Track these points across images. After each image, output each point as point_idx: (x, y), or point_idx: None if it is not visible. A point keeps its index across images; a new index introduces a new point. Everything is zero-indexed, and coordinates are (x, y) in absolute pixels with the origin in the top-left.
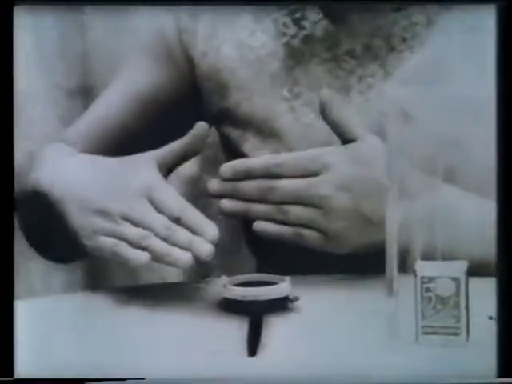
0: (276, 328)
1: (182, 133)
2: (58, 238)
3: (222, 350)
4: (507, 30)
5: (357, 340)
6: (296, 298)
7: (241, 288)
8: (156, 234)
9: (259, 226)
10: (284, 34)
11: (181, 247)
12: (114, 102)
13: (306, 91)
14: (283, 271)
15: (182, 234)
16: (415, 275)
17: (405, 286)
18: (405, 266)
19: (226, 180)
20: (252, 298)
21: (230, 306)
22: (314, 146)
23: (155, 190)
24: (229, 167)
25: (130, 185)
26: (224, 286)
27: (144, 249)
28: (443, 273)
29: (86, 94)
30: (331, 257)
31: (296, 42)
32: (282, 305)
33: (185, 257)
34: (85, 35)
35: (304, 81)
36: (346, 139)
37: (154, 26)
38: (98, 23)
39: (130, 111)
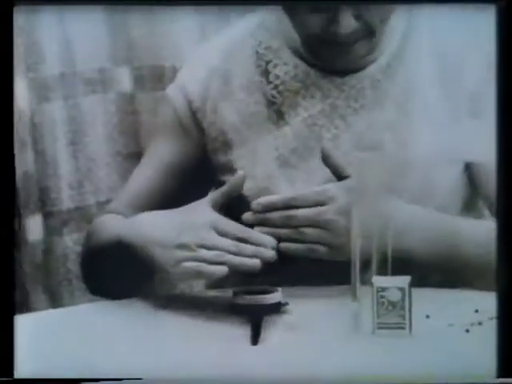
0: (273, 325)
1: (200, 184)
2: (124, 279)
3: (233, 339)
4: (507, 30)
5: (329, 332)
6: (286, 303)
7: (248, 296)
8: (228, 252)
9: (284, 246)
10: (273, 103)
11: (249, 257)
12: (146, 174)
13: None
14: (275, 283)
15: (248, 248)
16: (372, 286)
17: (365, 293)
18: (365, 279)
19: (256, 212)
20: (256, 303)
21: (239, 309)
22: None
23: (217, 222)
24: (257, 203)
25: (197, 223)
26: (235, 294)
27: (221, 264)
28: (392, 284)
29: (138, 157)
30: (312, 271)
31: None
32: (276, 308)
33: (255, 262)
34: (136, 115)
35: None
36: (341, 177)
37: (170, 109)
38: (146, 105)
39: (160, 179)
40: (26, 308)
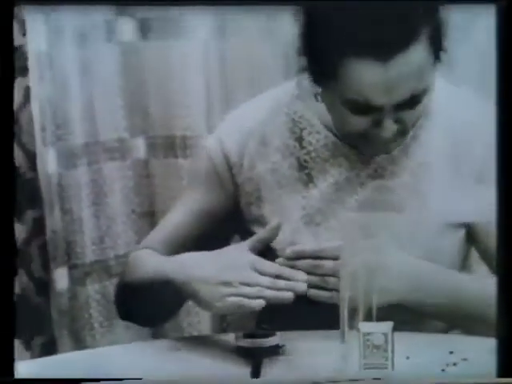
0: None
1: (228, 233)
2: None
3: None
4: (507, 30)
5: (322, 371)
6: (283, 345)
7: (249, 339)
8: (266, 287)
9: (312, 293)
10: (304, 168)
11: (283, 290)
12: (179, 218)
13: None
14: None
15: (282, 283)
16: (358, 331)
17: (352, 337)
18: (352, 325)
19: (288, 259)
20: (257, 346)
21: (242, 351)
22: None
23: (256, 263)
24: (291, 250)
25: (238, 263)
26: (238, 338)
27: (259, 298)
28: (377, 330)
29: (151, 216)
30: (308, 316)
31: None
32: (274, 350)
33: (288, 295)
34: (150, 178)
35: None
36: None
37: (207, 160)
38: (159, 170)
39: (192, 222)
40: (53, 351)
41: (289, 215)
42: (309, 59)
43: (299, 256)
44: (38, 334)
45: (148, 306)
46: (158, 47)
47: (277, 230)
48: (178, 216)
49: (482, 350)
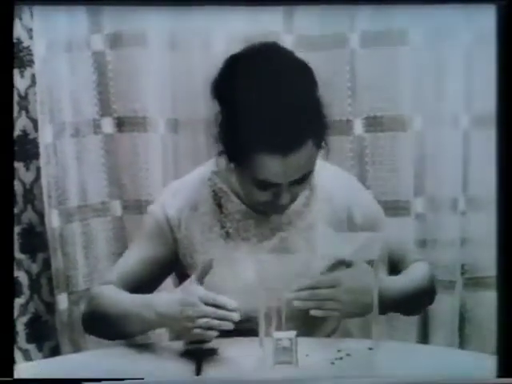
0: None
1: (167, 275)
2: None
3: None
4: (507, 30)
5: (245, 366)
6: (218, 348)
7: (193, 345)
8: (211, 318)
9: (314, 312)
10: (223, 227)
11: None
12: (132, 260)
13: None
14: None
15: (222, 313)
16: (273, 337)
17: (268, 342)
18: (268, 333)
19: (296, 291)
20: (198, 349)
21: (188, 353)
22: None
23: (203, 296)
24: (298, 286)
25: (191, 300)
26: (185, 344)
27: (210, 329)
28: (285, 336)
29: None
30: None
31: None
32: (211, 352)
33: (227, 324)
34: (124, 231)
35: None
36: (349, 265)
37: (152, 220)
38: (132, 225)
39: (140, 266)
40: (58, 353)
41: (215, 263)
42: (225, 147)
43: (301, 288)
44: (47, 340)
45: (114, 328)
46: (130, 140)
47: (210, 264)
48: (130, 260)
49: (361, 348)
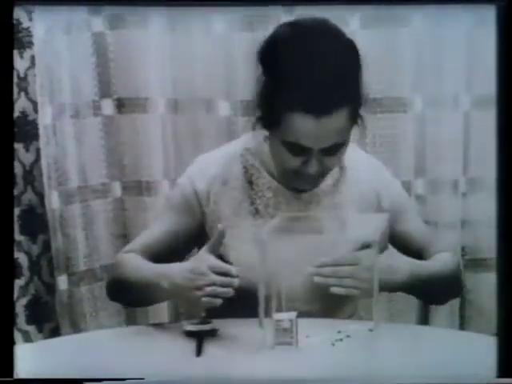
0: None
1: (192, 249)
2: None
3: (184, 353)
4: (507, 30)
5: (245, 346)
6: (218, 329)
7: (193, 325)
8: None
9: (335, 290)
10: (253, 203)
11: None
12: (157, 232)
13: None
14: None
15: (227, 280)
16: (272, 318)
17: (269, 323)
18: (268, 313)
19: (316, 267)
20: (199, 329)
21: (189, 334)
22: None
23: (213, 266)
24: (320, 261)
25: (202, 270)
26: (186, 324)
27: (217, 296)
28: (285, 318)
29: (124, 237)
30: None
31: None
32: (211, 333)
33: (228, 291)
34: (124, 211)
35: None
36: (366, 246)
37: (179, 193)
38: (132, 208)
39: (166, 238)
40: (58, 334)
41: (242, 237)
42: (262, 110)
43: (324, 265)
44: (47, 321)
45: (135, 296)
46: (131, 121)
47: (223, 233)
48: (155, 232)
49: (361, 330)
